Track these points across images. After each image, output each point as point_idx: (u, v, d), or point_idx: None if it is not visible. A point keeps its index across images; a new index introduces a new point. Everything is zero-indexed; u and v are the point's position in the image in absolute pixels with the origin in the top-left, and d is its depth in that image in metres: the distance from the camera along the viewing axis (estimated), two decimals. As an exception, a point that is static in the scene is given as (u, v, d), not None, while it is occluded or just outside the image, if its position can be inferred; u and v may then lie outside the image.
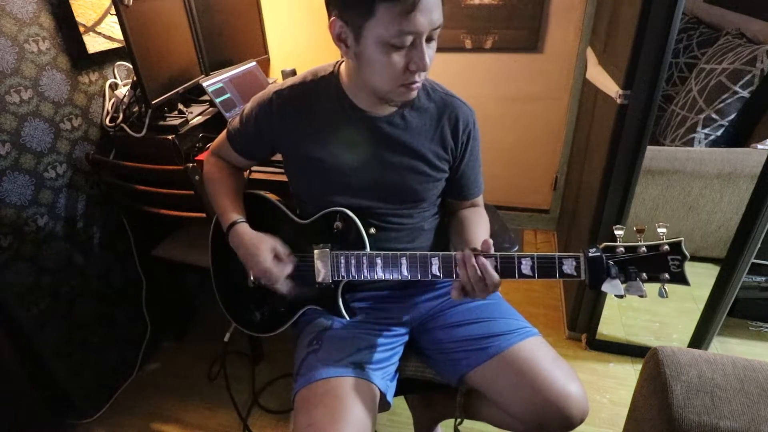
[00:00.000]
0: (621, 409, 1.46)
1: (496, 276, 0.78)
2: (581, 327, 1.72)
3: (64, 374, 1.48)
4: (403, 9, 0.70)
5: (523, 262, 0.77)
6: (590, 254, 0.73)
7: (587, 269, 0.74)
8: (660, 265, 0.72)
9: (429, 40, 0.77)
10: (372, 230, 0.93)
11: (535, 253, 0.77)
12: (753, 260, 1.29)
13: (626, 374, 1.60)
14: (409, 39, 0.74)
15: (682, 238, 0.71)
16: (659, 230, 0.73)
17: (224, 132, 1.04)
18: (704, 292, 1.42)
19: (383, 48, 0.75)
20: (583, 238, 1.60)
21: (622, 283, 0.73)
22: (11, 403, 1.37)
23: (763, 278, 1.69)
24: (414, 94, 0.83)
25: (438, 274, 0.85)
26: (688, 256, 0.70)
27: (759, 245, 1.26)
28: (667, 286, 0.73)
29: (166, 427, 1.53)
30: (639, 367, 0.99)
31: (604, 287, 0.74)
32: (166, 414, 1.58)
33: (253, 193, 1.06)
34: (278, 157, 1.02)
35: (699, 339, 1.49)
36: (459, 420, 1.06)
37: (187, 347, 1.85)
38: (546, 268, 0.77)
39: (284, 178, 1.04)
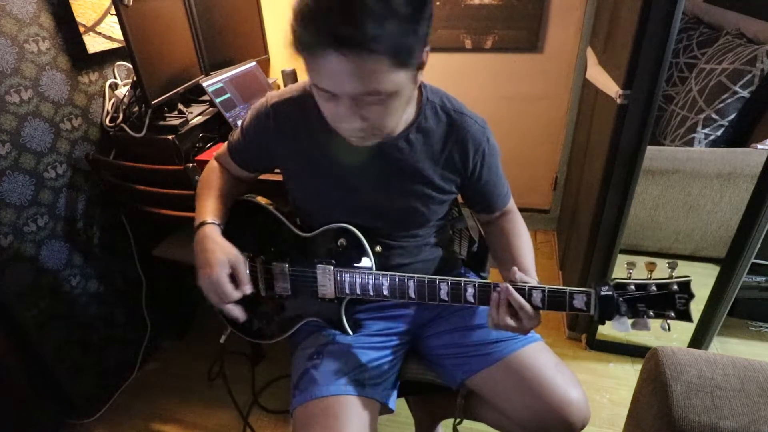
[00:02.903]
0: (621, 409, 1.46)
1: (529, 309, 0.75)
2: (581, 327, 1.72)
3: (64, 374, 1.48)
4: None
5: (534, 294, 0.76)
6: (602, 292, 0.73)
7: (598, 306, 0.74)
8: (667, 303, 0.72)
9: (367, 102, 0.69)
10: (378, 248, 0.89)
11: (546, 286, 0.76)
12: (753, 260, 1.29)
13: (626, 374, 1.60)
14: (330, 94, 0.69)
15: (691, 278, 0.71)
16: (669, 270, 0.73)
17: (227, 142, 1.01)
18: (704, 292, 1.42)
19: (315, 88, 0.71)
20: (583, 239, 1.60)
21: (630, 318, 0.74)
22: (11, 403, 1.37)
23: (763, 278, 1.69)
24: (358, 143, 0.77)
25: (446, 299, 0.84)
26: (695, 296, 0.71)
27: (759, 245, 1.26)
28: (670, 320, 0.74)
29: (166, 427, 1.53)
30: (639, 367, 0.99)
31: (612, 324, 0.74)
32: (166, 414, 1.57)
33: (254, 203, 1.02)
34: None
35: (699, 339, 1.49)
36: (458, 420, 1.06)
37: (187, 347, 1.85)
38: (556, 300, 0.76)
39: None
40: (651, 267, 0.74)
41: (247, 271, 0.89)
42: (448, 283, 0.82)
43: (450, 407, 1.12)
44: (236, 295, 0.85)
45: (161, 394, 1.65)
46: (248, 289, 0.87)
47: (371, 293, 0.88)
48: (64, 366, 1.48)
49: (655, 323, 0.74)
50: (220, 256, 0.85)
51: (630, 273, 0.75)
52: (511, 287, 0.76)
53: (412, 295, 0.85)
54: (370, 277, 0.87)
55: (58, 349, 1.46)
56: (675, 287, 0.71)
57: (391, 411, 0.92)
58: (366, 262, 0.89)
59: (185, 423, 1.54)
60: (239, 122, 0.97)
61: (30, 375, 1.40)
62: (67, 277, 1.47)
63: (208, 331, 1.92)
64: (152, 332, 1.78)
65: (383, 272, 0.86)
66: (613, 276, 0.76)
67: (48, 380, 1.45)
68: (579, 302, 0.75)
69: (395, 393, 0.94)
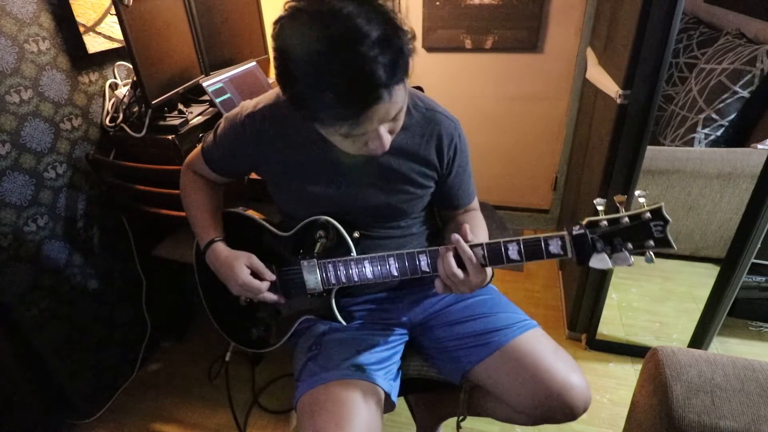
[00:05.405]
0: (621, 409, 1.46)
1: (473, 263, 0.78)
2: (581, 327, 1.72)
3: (64, 374, 1.48)
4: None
5: (510, 247, 0.78)
6: (575, 232, 0.74)
7: (573, 247, 0.75)
8: (644, 233, 0.72)
9: (394, 119, 0.74)
10: (356, 234, 0.91)
11: (521, 237, 0.77)
12: (753, 260, 1.29)
13: (626, 374, 1.60)
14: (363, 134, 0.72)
15: (662, 204, 0.71)
16: (640, 199, 0.73)
17: (198, 148, 1.01)
18: (704, 292, 1.42)
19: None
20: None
21: (609, 255, 0.74)
22: (11, 403, 1.37)
23: (763, 278, 1.69)
24: (381, 153, 0.78)
25: (427, 270, 0.85)
26: (671, 221, 0.71)
27: (759, 245, 1.26)
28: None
29: (166, 427, 1.53)
30: (639, 367, 1.00)
31: (592, 263, 0.74)
32: (166, 414, 1.58)
33: (231, 212, 1.04)
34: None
35: (699, 339, 1.49)
36: (462, 417, 1.06)
37: (187, 347, 1.85)
38: (533, 250, 0.77)
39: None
40: (621, 199, 0.74)
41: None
42: (426, 253, 0.84)
43: (453, 405, 1.13)
44: (265, 285, 0.94)
45: (161, 394, 1.65)
46: (270, 275, 0.95)
47: (356, 279, 0.90)
48: (64, 366, 1.48)
49: (639, 259, 0.74)
50: (237, 263, 0.93)
51: (599, 210, 0.76)
52: (461, 240, 0.78)
53: (395, 272, 0.87)
54: (352, 262, 0.89)
55: (58, 349, 1.46)
56: (647, 215, 0.71)
57: (393, 405, 0.93)
58: (347, 249, 0.90)
59: (185, 423, 1.54)
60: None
61: (30, 375, 1.40)
62: (67, 277, 1.46)
63: (208, 331, 1.91)
64: (152, 332, 1.78)
65: (364, 256, 0.88)
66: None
67: (48, 380, 1.45)
68: (555, 247, 0.76)
69: (397, 386, 0.95)
